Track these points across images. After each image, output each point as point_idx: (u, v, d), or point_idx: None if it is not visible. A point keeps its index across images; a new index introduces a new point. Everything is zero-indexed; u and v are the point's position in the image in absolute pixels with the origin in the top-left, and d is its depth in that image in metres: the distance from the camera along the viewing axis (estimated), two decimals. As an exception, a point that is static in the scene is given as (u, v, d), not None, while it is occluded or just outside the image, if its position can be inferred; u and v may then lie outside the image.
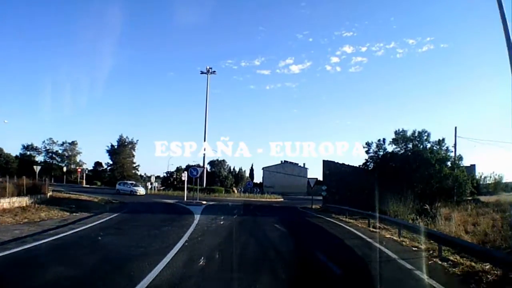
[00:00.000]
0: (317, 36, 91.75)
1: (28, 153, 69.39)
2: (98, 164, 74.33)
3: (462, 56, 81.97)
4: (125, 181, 29.48)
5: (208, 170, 60.91)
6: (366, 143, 27.78)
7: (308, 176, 74.46)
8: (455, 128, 29.70)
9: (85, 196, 28.39)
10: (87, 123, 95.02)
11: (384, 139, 27.63)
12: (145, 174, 72.80)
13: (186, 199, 29.96)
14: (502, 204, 20.94)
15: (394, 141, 27.69)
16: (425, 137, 27.55)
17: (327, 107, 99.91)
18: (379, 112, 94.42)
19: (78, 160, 73.16)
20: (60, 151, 72.12)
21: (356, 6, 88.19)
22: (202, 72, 53.44)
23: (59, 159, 71.78)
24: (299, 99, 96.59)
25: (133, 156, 72.72)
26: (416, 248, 10.49)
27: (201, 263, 7.43)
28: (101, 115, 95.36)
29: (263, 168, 73.99)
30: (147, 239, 10.35)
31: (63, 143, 71.78)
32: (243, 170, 73.09)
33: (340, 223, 17.36)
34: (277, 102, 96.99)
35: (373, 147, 27.67)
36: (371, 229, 15.14)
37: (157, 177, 54.51)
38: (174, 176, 50.71)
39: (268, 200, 43.47)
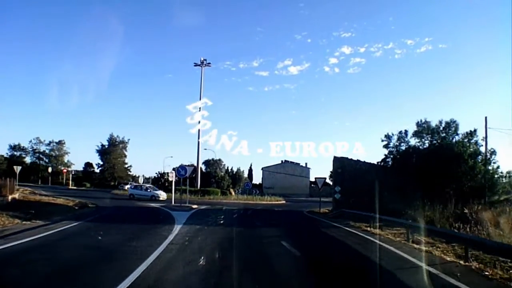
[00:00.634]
0: (315, 37, 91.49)
1: (18, 153, 65.95)
2: (88, 165, 70.31)
3: (461, 56, 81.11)
4: (141, 184, 24.31)
5: (203, 170, 56.57)
6: (386, 136, 23.63)
7: (310, 177, 70.79)
8: (485, 118, 25.26)
9: (62, 200, 25.10)
10: (78, 123, 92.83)
11: (406, 131, 23.45)
12: (137, 175, 68.72)
13: (174, 202, 25.73)
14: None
15: (417, 134, 23.51)
16: (453, 129, 23.39)
17: (326, 108, 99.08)
18: (378, 113, 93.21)
19: (66, 161, 69.22)
20: (47, 151, 68.24)
21: (354, 6, 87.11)
22: (195, 64, 49.02)
23: (47, 160, 67.97)
24: (298, 100, 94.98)
25: (125, 156, 68.90)
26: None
27: None
28: (93, 115, 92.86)
29: (262, 168, 69.75)
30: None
31: (50, 142, 67.83)
32: (241, 170, 68.42)
33: (367, 236, 13.10)
34: (276, 103, 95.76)
35: (394, 140, 23.44)
36: (415, 245, 10.96)
37: (147, 178, 50.26)
38: (166, 177, 46.41)
39: (268, 202, 39.17)
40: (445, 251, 9.94)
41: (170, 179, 27.01)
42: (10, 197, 21.01)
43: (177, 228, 13.04)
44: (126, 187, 52.20)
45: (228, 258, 8.37)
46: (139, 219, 16.14)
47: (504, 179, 26.86)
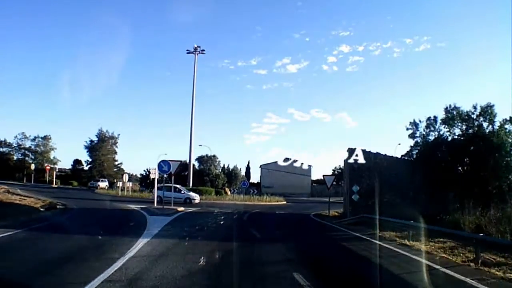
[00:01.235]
0: (314, 35, 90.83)
1: (5, 150, 61.72)
2: (77, 162, 66.05)
3: (459, 55, 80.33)
4: (172, 185, 20.24)
5: (196, 167, 52.42)
6: (411, 123, 19.65)
7: (312, 175, 66.91)
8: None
9: (31, 200, 22.06)
10: (69, 120, 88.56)
11: (435, 117, 19.47)
12: (132, 173, 64.55)
13: (157, 204, 21.73)
14: None
15: (446, 121, 19.57)
16: (489, 116, 19.45)
17: (323, 107, 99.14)
18: (377, 112, 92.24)
19: (52, 157, 64.79)
20: (33, 147, 63.95)
21: (353, 5, 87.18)
22: (188, 52, 44.99)
23: (33, 156, 63.75)
24: (296, 98, 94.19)
25: (115, 152, 64.70)
26: None
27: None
28: (84, 111, 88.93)
29: (261, 166, 65.61)
30: None
31: (35, 137, 63.47)
32: (238, 168, 64.12)
33: (414, 256, 9.01)
34: (274, 101, 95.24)
35: (421, 128, 19.47)
36: (494, 272, 7.02)
37: (132, 176, 46.05)
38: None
39: (268, 203, 35.13)
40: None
41: (152, 176, 22.94)
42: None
43: (139, 244, 9.09)
44: (102, 184, 47.93)
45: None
46: (99, 227, 12.07)
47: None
